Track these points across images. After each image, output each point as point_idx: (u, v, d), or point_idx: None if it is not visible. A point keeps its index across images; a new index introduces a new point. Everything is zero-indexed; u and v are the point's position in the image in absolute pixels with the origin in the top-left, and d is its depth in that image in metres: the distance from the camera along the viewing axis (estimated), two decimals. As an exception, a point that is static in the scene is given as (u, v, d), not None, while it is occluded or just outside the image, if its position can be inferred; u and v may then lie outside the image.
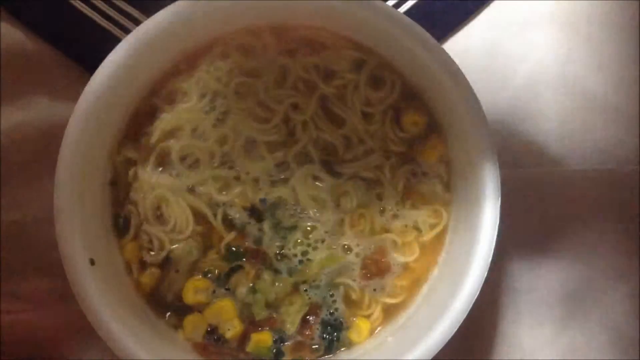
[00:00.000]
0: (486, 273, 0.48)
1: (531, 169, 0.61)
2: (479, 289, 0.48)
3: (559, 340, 0.60)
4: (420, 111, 0.55)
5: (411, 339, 0.49)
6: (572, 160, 0.61)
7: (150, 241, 0.54)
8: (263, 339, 0.54)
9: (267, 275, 0.54)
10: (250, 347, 0.54)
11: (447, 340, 0.48)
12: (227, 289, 0.54)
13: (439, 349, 0.48)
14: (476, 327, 0.58)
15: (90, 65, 0.59)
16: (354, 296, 0.55)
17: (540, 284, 0.60)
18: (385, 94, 0.55)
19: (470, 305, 0.48)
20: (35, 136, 0.59)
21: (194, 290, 0.54)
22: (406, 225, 0.55)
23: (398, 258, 0.55)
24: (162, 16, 0.49)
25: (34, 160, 0.59)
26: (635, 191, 0.60)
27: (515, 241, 0.61)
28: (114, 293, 0.51)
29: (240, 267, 0.54)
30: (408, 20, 0.50)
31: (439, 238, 0.55)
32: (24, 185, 0.59)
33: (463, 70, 0.50)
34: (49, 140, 0.58)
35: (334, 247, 0.55)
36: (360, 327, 0.54)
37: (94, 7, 0.61)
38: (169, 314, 0.54)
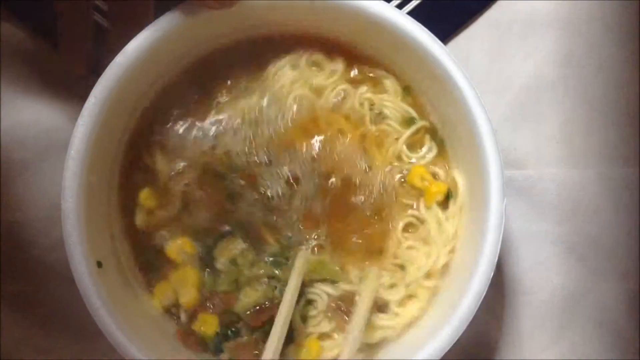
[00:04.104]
0: (492, 274, 0.48)
1: (533, 170, 0.62)
2: (485, 290, 0.48)
3: (559, 341, 0.60)
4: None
5: (419, 339, 0.49)
6: (573, 161, 0.62)
7: None
8: (209, 320, 0.53)
9: (251, 255, 0.54)
10: (196, 326, 0.53)
11: (455, 340, 0.48)
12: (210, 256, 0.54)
13: (447, 350, 0.48)
14: (476, 327, 0.58)
15: (90, 65, 0.58)
16: (313, 313, 0.54)
17: (540, 284, 0.61)
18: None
19: (477, 306, 0.48)
20: (35, 136, 0.59)
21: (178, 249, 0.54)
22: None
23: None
24: (169, 17, 0.49)
25: (34, 160, 0.59)
26: (635, 191, 0.61)
27: (516, 242, 0.62)
28: (122, 297, 0.50)
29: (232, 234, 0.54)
30: (412, 20, 0.49)
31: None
32: (24, 185, 0.59)
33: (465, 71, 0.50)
34: (49, 140, 0.58)
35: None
36: (309, 347, 0.53)
37: (94, 8, 0.61)
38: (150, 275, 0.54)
